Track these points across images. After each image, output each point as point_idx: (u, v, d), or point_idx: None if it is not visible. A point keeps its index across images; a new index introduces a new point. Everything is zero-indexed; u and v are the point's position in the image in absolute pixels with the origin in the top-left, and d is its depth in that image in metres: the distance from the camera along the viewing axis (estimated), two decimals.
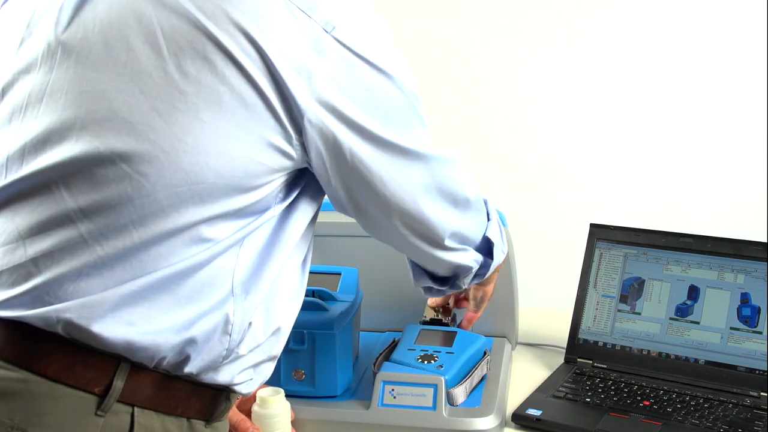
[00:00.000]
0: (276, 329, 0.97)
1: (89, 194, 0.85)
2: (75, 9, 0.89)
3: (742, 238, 1.38)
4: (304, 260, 1.01)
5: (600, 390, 1.32)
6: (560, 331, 1.48)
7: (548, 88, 2.74)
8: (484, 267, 1.18)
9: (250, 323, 0.93)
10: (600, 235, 1.46)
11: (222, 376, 0.94)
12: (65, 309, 0.85)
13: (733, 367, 1.34)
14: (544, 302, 1.80)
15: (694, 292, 1.39)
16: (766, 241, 1.37)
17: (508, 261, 1.42)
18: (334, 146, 0.90)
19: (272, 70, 0.85)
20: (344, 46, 0.88)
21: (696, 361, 1.37)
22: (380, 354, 1.32)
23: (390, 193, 0.97)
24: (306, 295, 1.27)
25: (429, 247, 1.07)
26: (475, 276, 1.18)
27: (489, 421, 1.18)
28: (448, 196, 1.04)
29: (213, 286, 0.89)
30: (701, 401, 1.29)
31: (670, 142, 2.73)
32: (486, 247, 1.17)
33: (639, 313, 1.42)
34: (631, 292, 1.43)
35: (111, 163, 0.85)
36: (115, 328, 0.85)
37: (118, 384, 0.87)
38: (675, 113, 2.72)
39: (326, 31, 0.87)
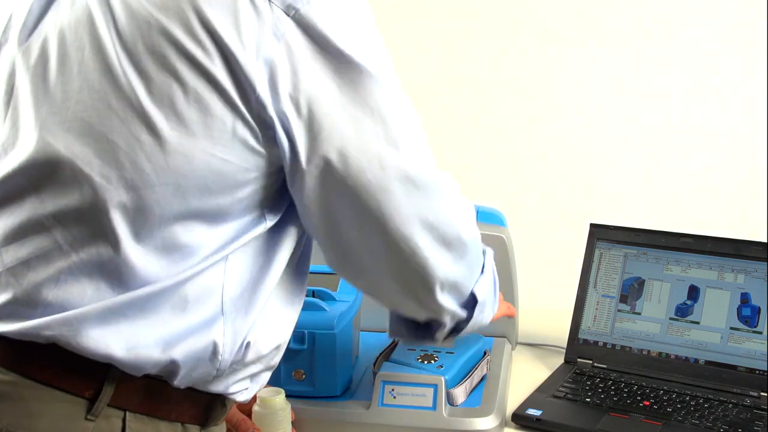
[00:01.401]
0: (277, 346, 0.95)
1: (57, 199, 0.84)
2: (41, 11, 0.90)
3: (742, 238, 1.38)
4: (303, 272, 0.98)
5: (600, 390, 1.32)
6: (560, 331, 1.48)
7: (548, 88, 2.74)
8: (464, 323, 1.04)
9: (248, 343, 0.90)
10: (600, 235, 1.46)
11: (215, 387, 0.92)
12: (45, 326, 0.83)
13: (733, 367, 1.34)
14: (544, 302, 1.80)
15: (694, 292, 1.39)
16: (766, 241, 1.37)
17: (508, 261, 1.42)
18: (291, 142, 0.84)
19: (229, 57, 0.81)
20: (306, 31, 0.82)
21: (696, 361, 1.37)
22: (380, 354, 1.32)
23: (353, 211, 0.87)
24: (306, 295, 1.27)
25: (411, 294, 0.96)
26: (451, 332, 1.05)
27: (489, 421, 1.18)
28: (434, 231, 0.91)
29: (198, 305, 0.86)
30: (701, 401, 1.29)
31: (670, 141, 2.73)
32: (471, 303, 1.03)
33: (639, 313, 1.42)
34: (631, 292, 1.43)
35: (72, 165, 0.83)
36: (97, 344, 0.83)
37: (109, 388, 0.86)
38: (675, 113, 2.72)
39: (287, 15, 0.82)
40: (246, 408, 1.16)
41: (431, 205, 0.91)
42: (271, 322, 0.94)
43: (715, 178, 2.73)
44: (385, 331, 1.46)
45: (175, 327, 0.86)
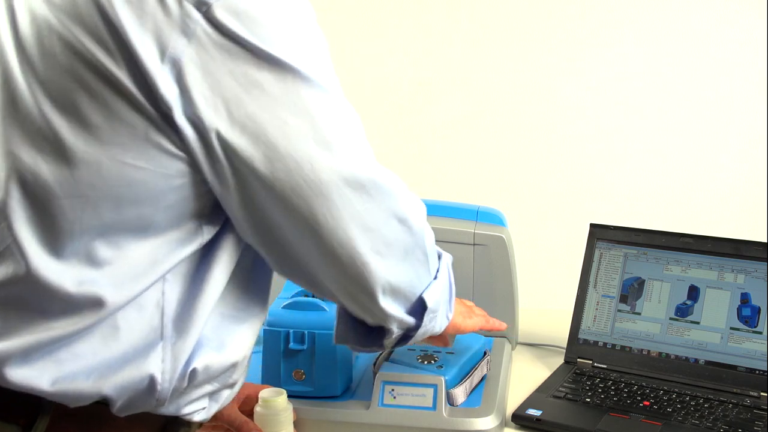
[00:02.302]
0: (232, 364, 0.89)
1: None
2: None
3: (742, 238, 1.38)
4: (260, 283, 0.92)
5: (600, 390, 1.33)
6: (560, 331, 1.48)
7: (549, 88, 2.74)
8: (413, 330, 0.99)
9: (193, 369, 0.84)
10: (600, 235, 1.46)
11: (164, 410, 0.86)
12: None
13: (733, 367, 1.34)
14: (544, 302, 1.80)
15: (694, 292, 1.39)
16: (766, 241, 1.37)
17: (508, 261, 1.42)
18: (208, 147, 0.78)
19: (133, 58, 0.74)
20: (220, 29, 0.75)
21: (696, 361, 1.37)
22: (380, 354, 1.32)
23: (285, 217, 0.82)
24: (306, 295, 1.27)
25: (352, 300, 0.92)
26: (401, 340, 1.00)
27: (489, 421, 1.18)
28: (373, 233, 0.86)
29: (133, 332, 0.81)
30: (701, 401, 1.29)
31: (670, 142, 2.74)
32: (419, 309, 0.98)
33: (639, 313, 1.42)
34: (631, 292, 1.43)
35: None
36: (20, 381, 0.79)
37: (44, 416, 0.81)
38: (675, 113, 2.73)
39: (198, 11, 0.75)
40: (247, 409, 1.16)
41: (370, 207, 0.85)
42: (221, 341, 0.88)
43: (715, 178, 2.73)
44: None
45: (107, 358, 0.81)
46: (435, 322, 1.01)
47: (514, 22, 2.72)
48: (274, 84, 0.78)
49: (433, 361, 1.25)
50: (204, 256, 0.85)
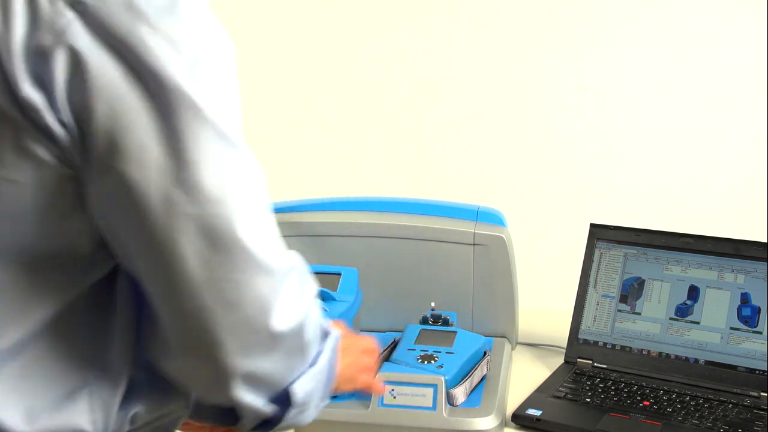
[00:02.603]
0: (178, 400, 0.82)
1: None
2: None
3: (742, 238, 1.38)
4: None
5: (600, 390, 1.33)
6: (560, 331, 1.48)
7: (549, 88, 2.74)
8: (274, 422, 0.82)
9: (134, 414, 0.77)
10: (600, 235, 1.46)
11: None
12: None
13: (733, 367, 1.34)
14: (544, 302, 1.80)
15: (694, 292, 1.39)
16: (766, 241, 1.37)
17: (508, 261, 1.42)
18: (71, 157, 0.69)
19: None
20: (95, 29, 0.66)
21: (696, 361, 1.37)
22: (380, 354, 1.32)
23: (140, 257, 0.71)
24: None
25: (198, 381, 0.79)
26: (260, 426, 0.82)
27: (489, 421, 1.18)
28: (235, 310, 0.72)
29: (51, 382, 0.74)
30: (701, 401, 1.29)
31: (670, 142, 2.74)
32: (285, 399, 0.81)
33: (639, 313, 1.42)
34: (631, 292, 1.43)
35: None
36: None
37: None
38: (675, 113, 2.72)
39: (71, 8, 0.66)
40: None
41: (236, 278, 0.71)
42: (159, 378, 0.79)
43: (715, 178, 2.73)
44: (385, 331, 1.46)
45: (27, 410, 0.73)
46: (303, 415, 0.85)
47: (514, 22, 2.72)
48: (147, 105, 0.67)
49: (433, 361, 1.25)
50: (110, 288, 0.77)
